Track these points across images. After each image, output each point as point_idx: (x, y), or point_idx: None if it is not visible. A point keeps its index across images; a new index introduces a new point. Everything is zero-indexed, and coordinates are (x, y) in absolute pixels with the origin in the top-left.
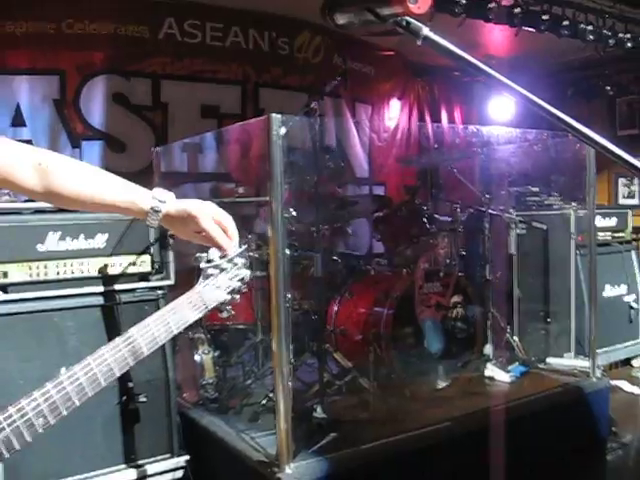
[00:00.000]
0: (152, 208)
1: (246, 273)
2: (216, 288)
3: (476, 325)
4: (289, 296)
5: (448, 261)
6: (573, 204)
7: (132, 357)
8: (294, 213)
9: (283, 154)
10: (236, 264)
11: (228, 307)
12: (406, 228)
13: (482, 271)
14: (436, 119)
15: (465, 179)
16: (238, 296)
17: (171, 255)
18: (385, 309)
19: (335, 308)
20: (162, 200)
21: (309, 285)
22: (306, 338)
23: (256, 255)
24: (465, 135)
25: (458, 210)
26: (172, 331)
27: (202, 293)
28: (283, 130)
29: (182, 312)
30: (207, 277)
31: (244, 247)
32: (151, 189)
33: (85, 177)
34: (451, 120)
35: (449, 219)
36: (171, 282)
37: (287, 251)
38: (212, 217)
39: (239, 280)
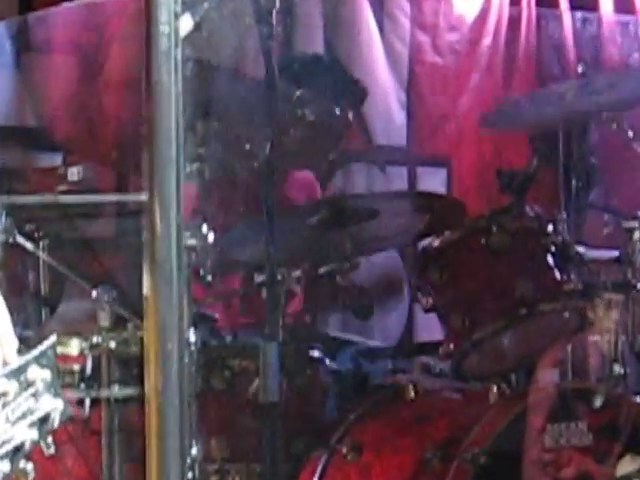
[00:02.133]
0: None
1: (56, 406)
2: None
3: None
4: (195, 453)
5: (615, 367)
6: None
7: None
8: (211, 236)
9: (186, 84)
10: (29, 385)
11: None
12: (502, 281)
13: None
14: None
15: None
16: (31, 468)
17: None
18: None
19: None
20: None
21: (247, 423)
22: None
23: (111, 345)
24: None
25: (636, 235)
26: None
27: None
28: (187, 22)
29: None
30: None
31: (51, 341)
32: None
33: None
34: (622, 4)
35: (613, 257)
36: None
37: (192, 334)
38: None
39: (35, 424)
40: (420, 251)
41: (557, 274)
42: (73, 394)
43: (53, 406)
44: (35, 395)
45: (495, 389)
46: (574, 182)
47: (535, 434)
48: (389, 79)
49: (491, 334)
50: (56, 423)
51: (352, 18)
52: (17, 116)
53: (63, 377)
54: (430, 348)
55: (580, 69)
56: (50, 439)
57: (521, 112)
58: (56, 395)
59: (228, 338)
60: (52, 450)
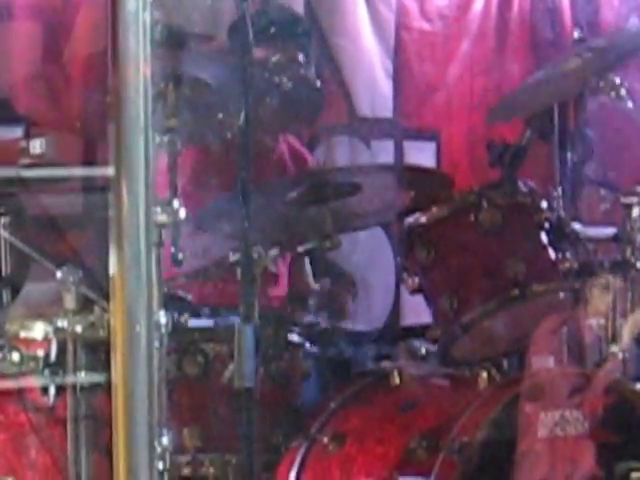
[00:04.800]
0: None
1: None
2: None
3: None
4: (166, 442)
5: (613, 352)
6: None
7: None
8: (183, 212)
9: (154, 49)
10: None
11: None
12: (493, 260)
13: None
14: None
15: None
16: None
17: None
18: (431, 479)
19: (293, 476)
20: None
21: (221, 411)
22: None
23: (77, 329)
24: None
25: (634, 211)
26: None
27: None
28: None
29: None
30: None
31: None
32: None
33: None
34: None
35: (611, 234)
36: None
37: (162, 316)
38: None
39: None
40: (406, 228)
41: (551, 253)
42: (37, 381)
43: None
44: None
45: (485, 375)
46: (569, 155)
47: (528, 423)
48: (374, 46)
49: (481, 316)
50: None
51: None
52: None
53: (27, 363)
54: (417, 332)
55: (576, 34)
56: None
57: (524, 101)
58: None
59: (200, 320)
60: None
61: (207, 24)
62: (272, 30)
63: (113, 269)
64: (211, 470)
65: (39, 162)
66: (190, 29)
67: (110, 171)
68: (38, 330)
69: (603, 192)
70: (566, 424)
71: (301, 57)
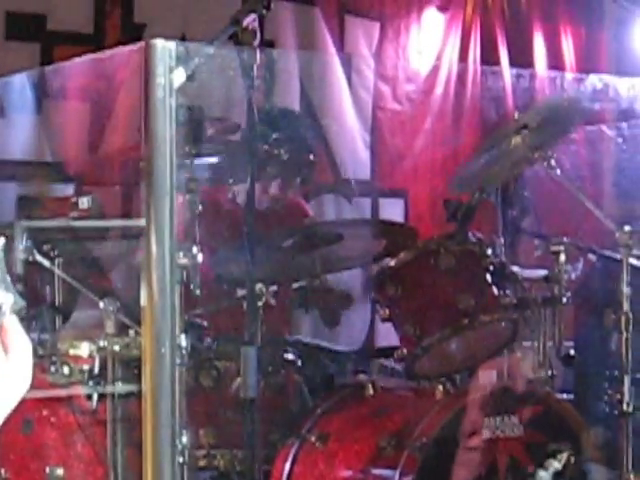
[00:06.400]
0: None
1: (7, 300)
2: None
3: None
4: (185, 440)
5: (543, 370)
6: None
7: None
8: (200, 256)
9: (178, 129)
10: None
11: None
12: (448, 295)
13: (613, 392)
14: (520, 56)
15: (579, 190)
16: None
17: None
18: (396, 472)
19: (287, 467)
20: None
21: (230, 415)
22: None
23: (116, 348)
24: (579, 94)
25: (561, 257)
26: None
27: None
28: (180, 75)
29: None
30: None
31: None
32: None
33: None
34: (555, 59)
35: (542, 275)
36: None
37: (183, 339)
38: None
39: None
40: (379, 271)
41: (495, 290)
42: (83, 389)
43: (4, 299)
44: None
45: (441, 388)
46: (510, 212)
47: (473, 426)
48: (355, 123)
49: (438, 341)
50: (8, 313)
51: (324, 72)
52: (37, 153)
53: (75, 375)
54: (387, 352)
55: (516, 115)
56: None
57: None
58: (7, 290)
59: (214, 343)
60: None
61: (221, 108)
62: (276, 129)
63: (144, 301)
64: (222, 462)
65: (86, 215)
66: (207, 112)
67: (142, 222)
68: (84, 349)
69: (536, 241)
70: (505, 427)
71: (296, 137)
